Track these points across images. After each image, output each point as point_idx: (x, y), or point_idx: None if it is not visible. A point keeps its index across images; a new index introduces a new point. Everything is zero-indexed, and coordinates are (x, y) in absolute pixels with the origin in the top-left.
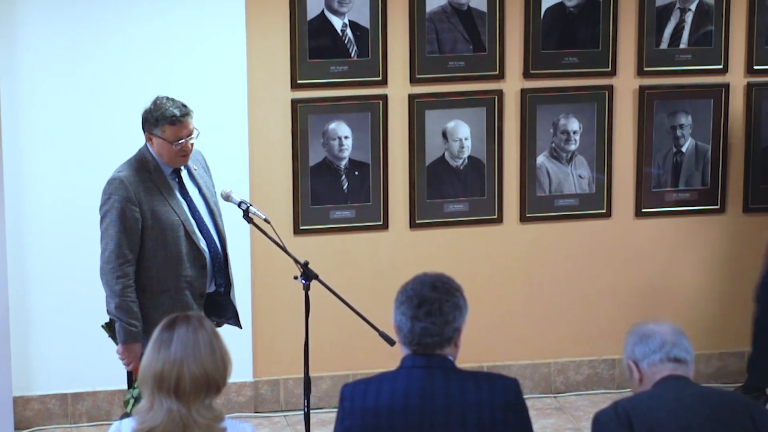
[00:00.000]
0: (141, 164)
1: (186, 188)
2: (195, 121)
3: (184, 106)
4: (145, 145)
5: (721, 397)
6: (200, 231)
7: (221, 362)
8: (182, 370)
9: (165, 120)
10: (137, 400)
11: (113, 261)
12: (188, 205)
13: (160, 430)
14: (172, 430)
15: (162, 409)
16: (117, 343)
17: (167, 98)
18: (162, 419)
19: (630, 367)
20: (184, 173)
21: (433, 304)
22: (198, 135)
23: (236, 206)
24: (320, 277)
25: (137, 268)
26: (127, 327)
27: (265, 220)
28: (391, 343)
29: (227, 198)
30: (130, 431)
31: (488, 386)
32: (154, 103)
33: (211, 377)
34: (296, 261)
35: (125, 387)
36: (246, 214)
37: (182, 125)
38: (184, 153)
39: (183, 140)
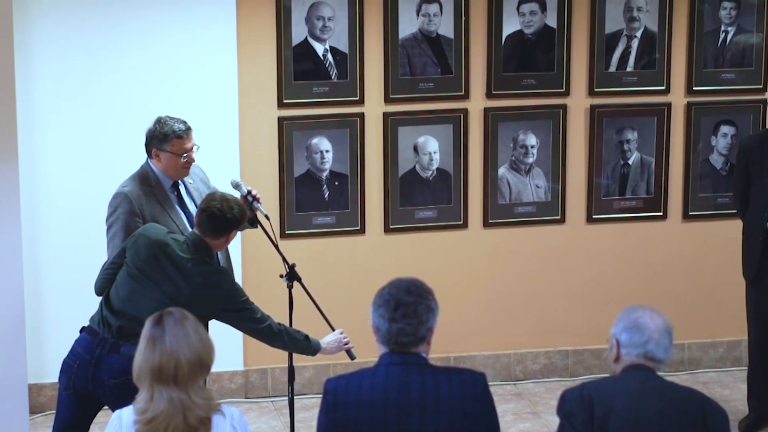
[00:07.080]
0: (143, 179)
1: (184, 201)
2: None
3: (186, 122)
4: (147, 161)
5: (678, 394)
6: None
7: (208, 345)
8: (179, 359)
9: (173, 134)
10: None
11: None
12: (186, 216)
13: (162, 418)
14: (174, 415)
15: (162, 398)
16: None
17: (169, 117)
18: (164, 407)
19: (613, 343)
20: (181, 187)
21: (408, 307)
22: (198, 149)
23: (243, 196)
24: (303, 280)
25: None
26: None
27: (266, 217)
28: (352, 357)
29: (237, 187)
30: (130, 421)
31: (459, 381)
32: (158, 122)
33: (203, 360)
34: (285, 260)
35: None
36: (249, 205)
37: (188, 138)
38: (188, 165)
39: (188, 153)
